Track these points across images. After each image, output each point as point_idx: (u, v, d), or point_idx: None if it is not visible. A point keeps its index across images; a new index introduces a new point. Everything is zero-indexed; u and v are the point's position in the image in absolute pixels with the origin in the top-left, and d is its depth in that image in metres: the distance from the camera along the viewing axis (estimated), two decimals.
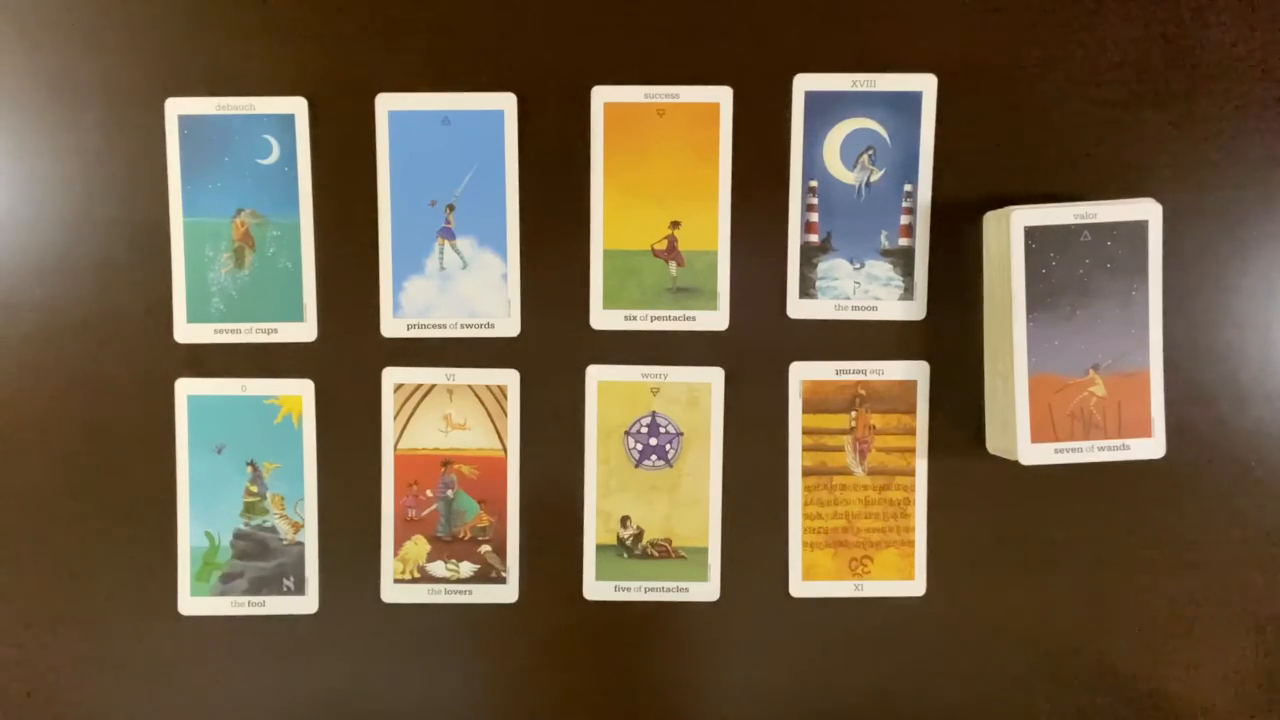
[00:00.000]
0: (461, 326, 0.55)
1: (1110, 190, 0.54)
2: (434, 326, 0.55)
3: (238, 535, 0.55)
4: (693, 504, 0.55)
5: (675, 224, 0.55)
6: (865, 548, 0.55)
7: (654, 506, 0.55)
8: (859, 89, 0.54)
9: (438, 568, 0.55)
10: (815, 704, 0.56)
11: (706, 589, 0.55)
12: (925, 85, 0.54)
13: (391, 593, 0.55)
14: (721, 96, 0.54)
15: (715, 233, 0.55)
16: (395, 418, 0.55)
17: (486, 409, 0.55)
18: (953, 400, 0.55)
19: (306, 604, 0.55)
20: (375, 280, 0.55)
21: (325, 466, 0.55)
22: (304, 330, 0.55)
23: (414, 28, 0.54)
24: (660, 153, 0.54)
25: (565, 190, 0.55)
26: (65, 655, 0.55)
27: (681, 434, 0.55)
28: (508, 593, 0.55)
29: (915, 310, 0.55)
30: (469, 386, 0.55)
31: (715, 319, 0.55)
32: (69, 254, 0.54)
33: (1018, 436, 0.51)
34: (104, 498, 0.55)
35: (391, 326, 0.55)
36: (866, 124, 0.54)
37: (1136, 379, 0.52)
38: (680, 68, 0.54)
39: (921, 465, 0.55)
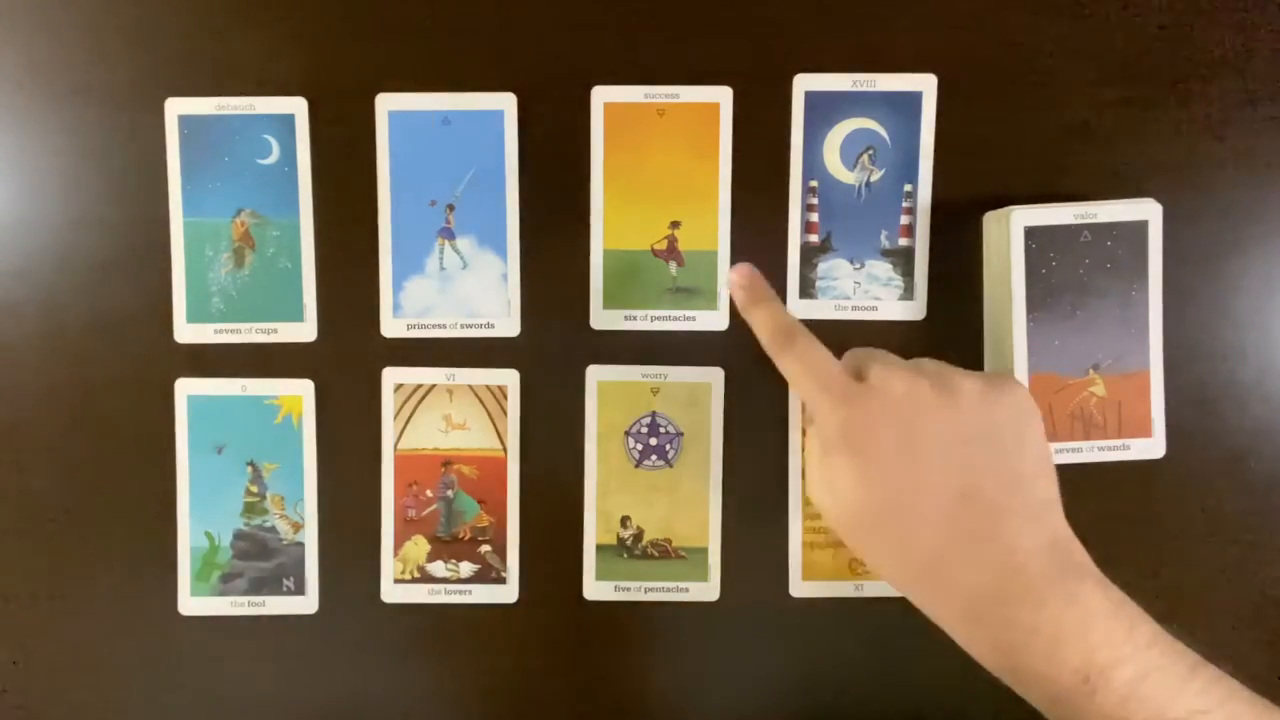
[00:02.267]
0: (461, 326, 0.55)
1: (1110, 190, 0.54)
2: (434, 326, 0.55)
3: (238, 535, 0.55)
4: (693, 504, 0.55)
5: (675, 224, 0.55)
6: None
7: (654, 506, 0.55)
8: (859, 89, 0.54)
9: (438, 568, 0.55)
10: (815, 704, 0.56)
11: (706, 589, 0.55)
12: (925, 85, 0.54)
13: (391, 593, 0.55)
14: (721, 96, 0.54)
15: (715, 233, 0.55)
16: (395, 418, 0.55)
17: (486, 409, 0.55)
18: None
19: (306, 604, 0.55)
20: (375, 280, 0.55)
21: (325, 466, 0.55)
22: (304, 330, 0.55)
23: (414, 28, 0.54)
24: (660, 153, 0.54)
25: (565, 190, 0.55)
26: (65, 655, 0.55)
27: (681, 434, 0.55)
28: (508, 593, 0.55)
29: (915, 310, 0.55)
30: (469, 386, 0.55)
31: (715, 319, 0.55)
32: (69, 254, 0.54)
33: None
34: (104, 498, 0.55)
35: (391, 326, 0.55)
36: (866, 124, 0.54)
37: (1136, 379, 0.52)
38: (680, 68, 0.54)
39: None
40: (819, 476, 0.44)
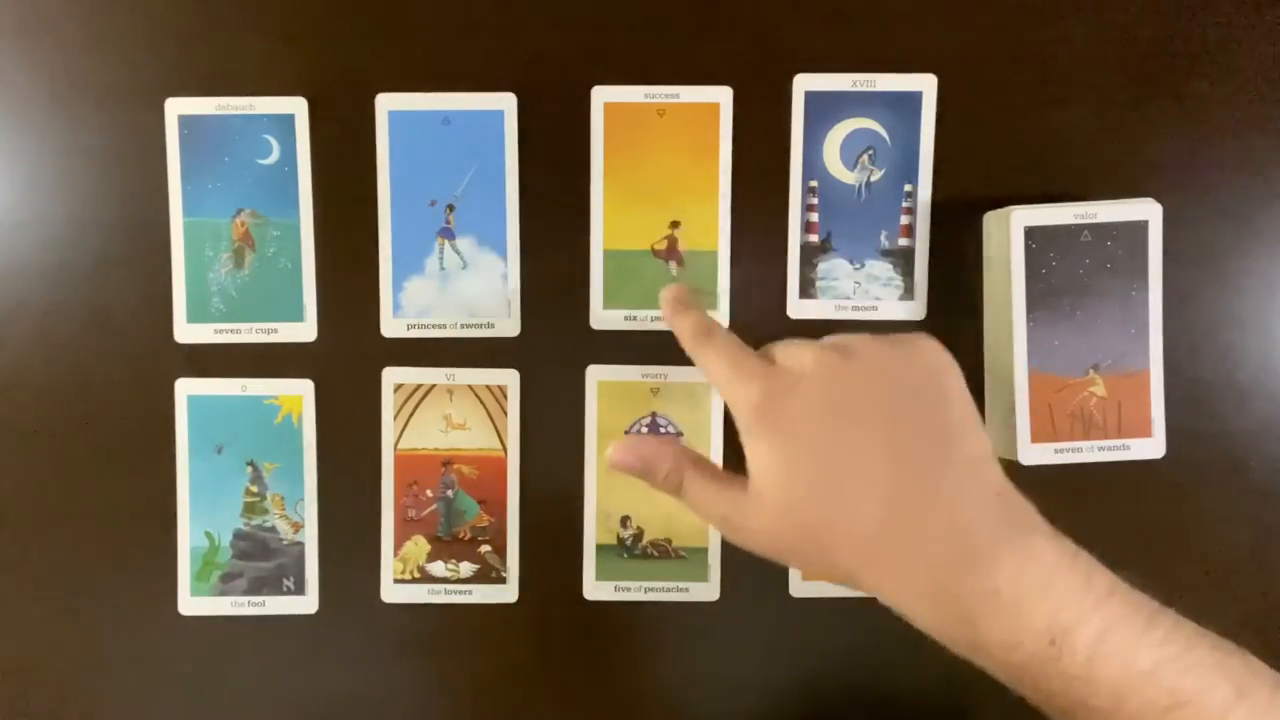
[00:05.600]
0: (461, 326, 0.55)
1: (1110, 190, 0.54)
2: (434, 326, 0.55)
3: (238, 535, 0.55)
4: None
5: (675, 224, 0.55)
6: None
7: (654, 506, 0.55)
8: (859, 89, 0.54)
9: (438, 568, 0.55)
10: (815, 704, 0.56)
11: (706, 589, 0.55)
12: (925, 85, 0.54)
13: (391, 593, 0.55)
14: (721, 96, 0.54)
15: (715, 233, 0.55)
16: (395, 418, 0.55)
17: (486, 409, 0.55)
18: None
19: (306, 604, 0.55)
20: (375, 280, 0.55)
21: (325, 466, 0.55)
22: (304, 330, 0.55)
23: (414, 28, 0.54)
24: (660, 153, 0.54)
25: (565, 190, 0.55)
26: (65, 655, 0.55)
27: (681, 434, 0.55)
28: (508, 593, 0.55)
29: (915, 310, 0.55)
30: (469, 386, 0.55)
31: (715, 319, 0.55)
32: (69, 254, 0.54)
33: (1018, 436, 0.51)
34: (104, 498, 0.55)
35: (391, 326, 0.55)
36: (866, 124, 0.54)
37: (1136, 379, 0.52)
38: (680, 68, 0.54)
39: None
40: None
